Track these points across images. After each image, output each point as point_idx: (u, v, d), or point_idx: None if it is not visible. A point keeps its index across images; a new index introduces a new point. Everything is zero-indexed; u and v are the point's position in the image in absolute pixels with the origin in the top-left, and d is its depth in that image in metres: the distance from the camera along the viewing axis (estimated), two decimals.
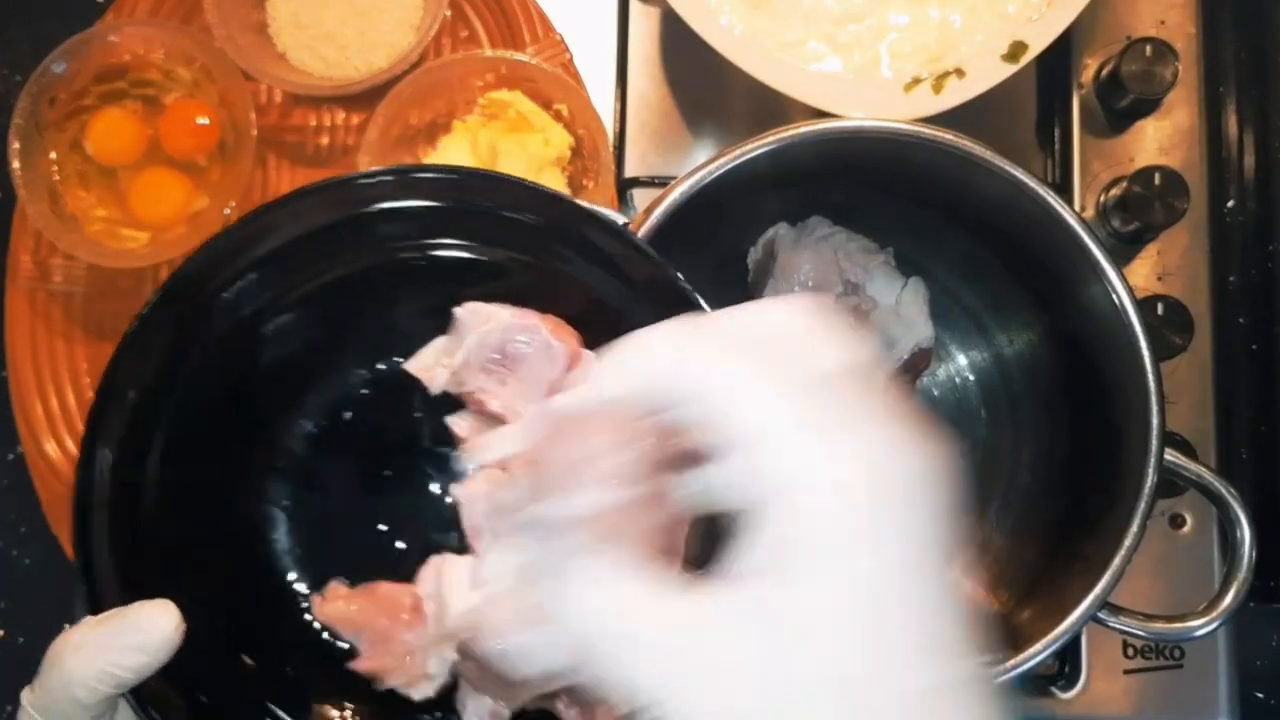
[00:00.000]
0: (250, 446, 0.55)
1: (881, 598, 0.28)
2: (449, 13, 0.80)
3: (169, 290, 0.52)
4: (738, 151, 0.62)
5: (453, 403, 0.53)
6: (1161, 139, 0.82)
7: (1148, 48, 0.79)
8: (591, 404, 0.32)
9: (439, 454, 0.53)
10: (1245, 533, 0.63)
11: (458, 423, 0.52)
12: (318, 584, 0.54)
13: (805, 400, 0.29)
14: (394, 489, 0.55)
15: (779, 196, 0.72)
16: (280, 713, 0.52)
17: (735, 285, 0.76)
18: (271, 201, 0.53)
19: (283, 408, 0.56)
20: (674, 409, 0.31)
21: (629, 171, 0.82)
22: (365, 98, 0.78)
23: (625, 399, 0.31)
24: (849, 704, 0.28)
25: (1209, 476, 0.64)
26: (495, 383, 0.50)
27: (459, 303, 0.52)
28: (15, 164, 0.74)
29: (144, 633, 0.45)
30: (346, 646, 0.53)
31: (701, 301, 0.53)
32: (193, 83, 0.78)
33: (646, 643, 0.29)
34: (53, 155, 0.76)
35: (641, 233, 0.61)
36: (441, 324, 0.53)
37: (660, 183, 0.78)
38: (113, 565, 0.50)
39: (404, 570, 0.52)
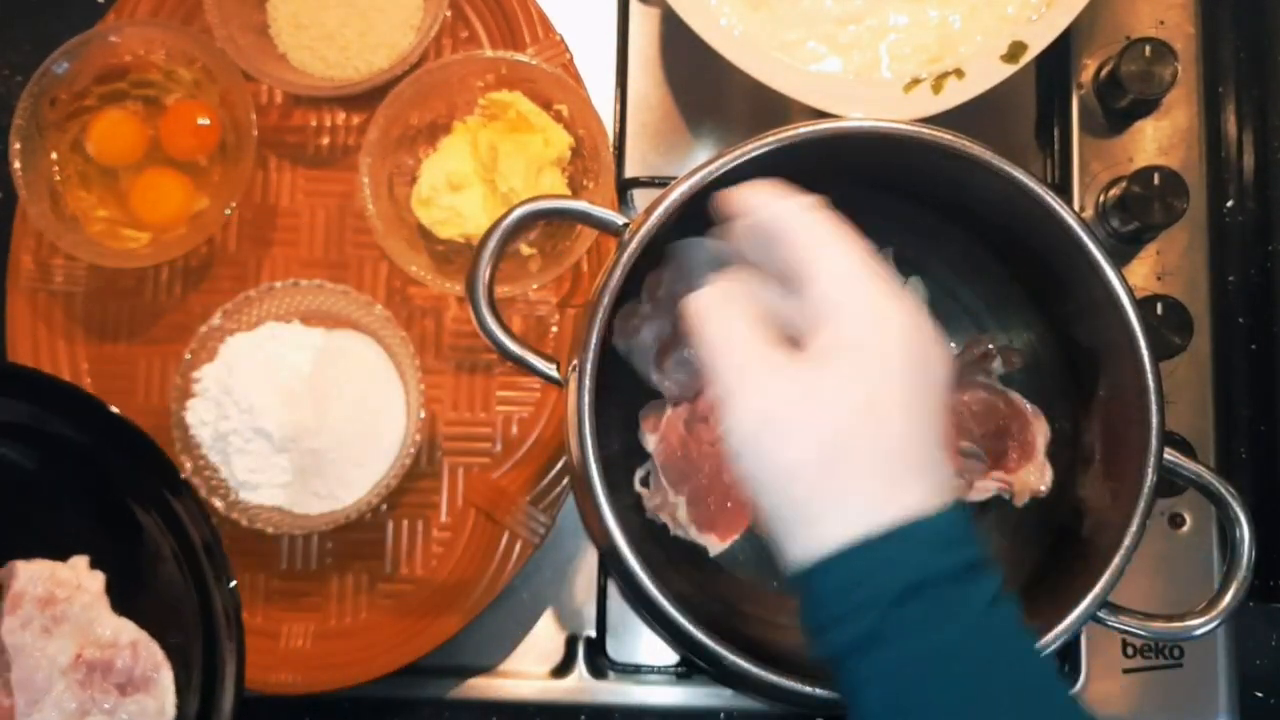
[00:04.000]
0: None
1: (882, 391, 0.44)
2: (449, 13, 0.80)
3: None
4: (738, 152, 0.62)
5: None
6: (1161, 139, 0.83)
7: (1147, 48, 0.79)
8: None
9: None
10: (1244, 532, 0.63)
11: None
12: None
13: (867, 265, 0.46)
14: None
15: None
16: None
17: None
18: None
19: None
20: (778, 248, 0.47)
21: (629, 172, 0.82)
22: (366, 98, 0.78)
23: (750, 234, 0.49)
24: (850, 439, 0.43)
25: (1208, 476, 0.64)
26: None
27: None
28: (16, 164, 0.74)
29: None
30: None
31: None
32: (193, 83, 0.78)
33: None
34: (54, 156, 0.77)
35: (641, 233, 0.61)
36: None
37: (660, 183, 0.78)
38: None
39: None
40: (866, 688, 0.41)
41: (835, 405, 0.43)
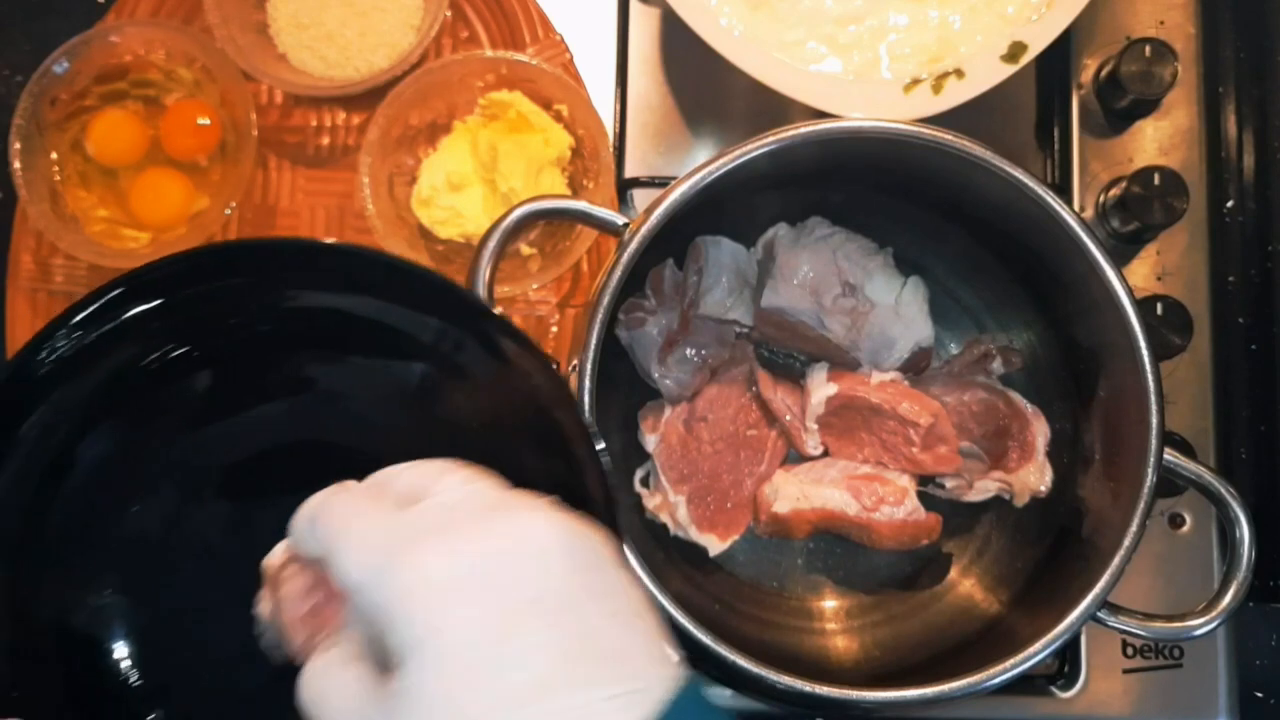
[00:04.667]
0: (85, 550, 0.53)
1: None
2: (449, 13, 0.80)
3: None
4: (738, 152, 0.62)
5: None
6: (1161, 139, 0.83)
7: (1147, 48, 0.79)
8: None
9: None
10: (1244, 532, 0.63)
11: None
12: (155, 689, 0.53)
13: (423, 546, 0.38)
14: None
15: (778, 197, 0.72)
16: None
17: None
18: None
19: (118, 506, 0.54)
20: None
21: (629, 172, 0.82)
22: (366, 98, 0.78)
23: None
24: None
25: (1208, 476, 0.64)
26: None
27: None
28: (16, 164, 0.74)
29: None
30: None
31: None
32: (193, 83, 0.78)
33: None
34: (54, 155, 0.77)
35: (641, 233, 0.61)
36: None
37: (660, 183, 0.78)
38: None
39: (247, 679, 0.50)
40: None
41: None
